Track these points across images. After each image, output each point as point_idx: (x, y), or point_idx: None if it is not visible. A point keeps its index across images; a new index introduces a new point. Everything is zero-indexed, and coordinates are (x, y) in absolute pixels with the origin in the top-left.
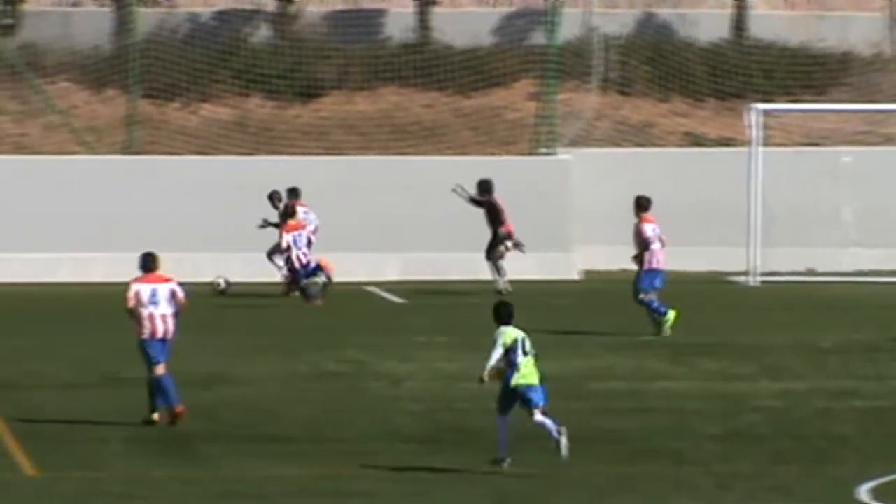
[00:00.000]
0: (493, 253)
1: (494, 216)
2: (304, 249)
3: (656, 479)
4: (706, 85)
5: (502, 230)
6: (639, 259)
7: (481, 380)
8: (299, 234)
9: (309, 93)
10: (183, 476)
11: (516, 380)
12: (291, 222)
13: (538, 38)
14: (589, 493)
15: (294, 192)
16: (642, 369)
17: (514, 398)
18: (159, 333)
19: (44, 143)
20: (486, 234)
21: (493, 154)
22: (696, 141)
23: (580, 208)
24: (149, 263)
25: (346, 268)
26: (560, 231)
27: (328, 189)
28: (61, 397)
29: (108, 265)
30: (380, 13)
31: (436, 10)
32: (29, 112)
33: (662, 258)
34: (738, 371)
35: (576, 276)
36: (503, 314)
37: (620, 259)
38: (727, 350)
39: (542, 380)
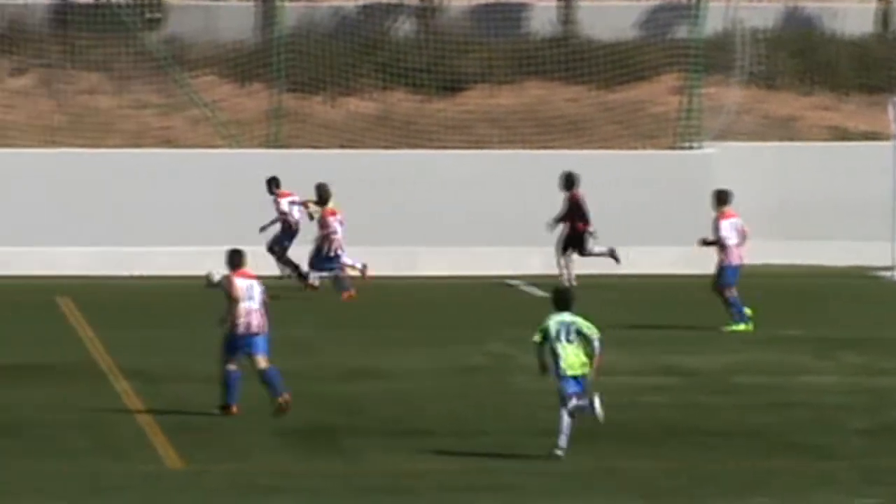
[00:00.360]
0: (586, 248)
1: (580, 212)
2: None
3: (800, 474)
4: (851, 79)
5: (586, 227)
6: (711, 246)
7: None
8: (338, 219)
9: (452, 87)
10: (327, 469)
11: (563, 369)
12: (329, 207)
13: (683, 31)
14: (734, 488)
15: (275, 182)
16: (785, 364)
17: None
18: (254, 328)
19: (188, 137)
20: (625, 230)
21: (636, 148)
22: (842, 135)
23: None
24: (237, 259)
25: (488, 261)
26: (703, 225)
27: (471, 183)
28: (206, 390)
29: (253, 258)
30: (523, 7)
31: (580, 3)
32: (174, 106)
33: (739, 254)
34: (884, 365)
35: None
36: (556, 300)
37: (765, 253)
38: (872, 344)
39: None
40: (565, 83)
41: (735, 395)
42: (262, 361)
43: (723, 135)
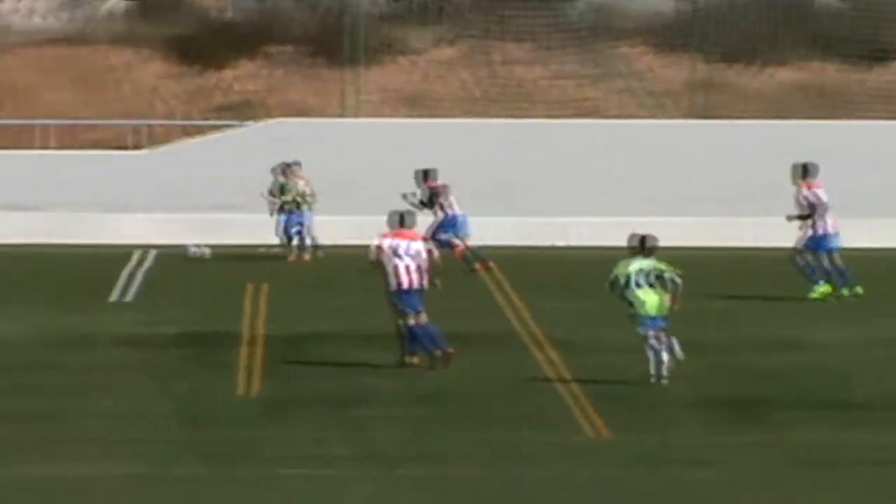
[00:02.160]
0: None
1: None
2: None
3: None
4: None
5: None
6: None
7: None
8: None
9: (879, 56)
10: (753, 440)
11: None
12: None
13: None
14: None
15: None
16: None
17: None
18: (405, 284)
19: (608, 107)
20: None
21: None
22: None
23: None
24: (401, 221)
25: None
26: None
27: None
28: (627, 360)
29: (680, 228)
30: None
31: None
32: (597, 76)
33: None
34: None
35: None
36: (637, 244)
37: None
38: None
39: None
40: None
41: None
42: (410, 319)
43: None
